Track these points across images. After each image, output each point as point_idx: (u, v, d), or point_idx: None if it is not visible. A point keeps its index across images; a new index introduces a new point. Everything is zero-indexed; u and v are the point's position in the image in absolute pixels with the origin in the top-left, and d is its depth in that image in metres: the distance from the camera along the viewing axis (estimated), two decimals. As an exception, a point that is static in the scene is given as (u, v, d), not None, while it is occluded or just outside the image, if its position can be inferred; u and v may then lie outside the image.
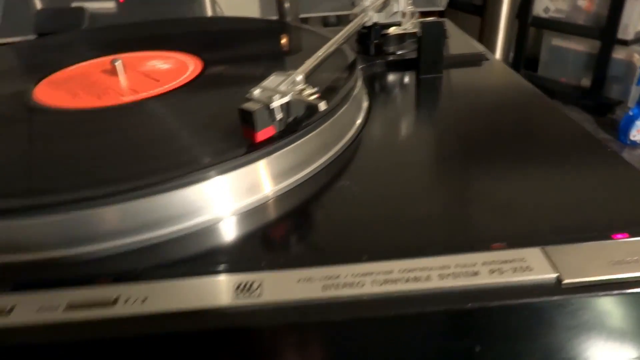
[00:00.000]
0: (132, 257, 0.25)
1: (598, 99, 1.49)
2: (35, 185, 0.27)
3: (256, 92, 0.27)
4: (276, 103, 0.26)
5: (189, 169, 0.26)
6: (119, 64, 0.38)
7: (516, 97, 0.40)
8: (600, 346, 0.23)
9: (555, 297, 0.21)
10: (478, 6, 1.48)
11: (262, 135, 0.27)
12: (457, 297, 0.21)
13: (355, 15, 0.44)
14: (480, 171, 0.30)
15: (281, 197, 0.28)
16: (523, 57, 1.63)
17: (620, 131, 1.46)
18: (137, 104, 0.35)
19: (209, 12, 0.89)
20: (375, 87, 0.43)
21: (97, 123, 0.34)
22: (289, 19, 0.52)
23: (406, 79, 0.44)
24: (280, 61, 0.45)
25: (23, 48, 0.53)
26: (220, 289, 0.22)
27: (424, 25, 0.41)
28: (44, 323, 0.21)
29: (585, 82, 1.50)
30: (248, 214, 0.27)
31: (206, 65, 0.41)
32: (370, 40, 0.46)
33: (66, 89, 0.38)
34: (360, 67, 0.41)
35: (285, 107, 0.27)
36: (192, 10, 0.89)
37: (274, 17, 0.55)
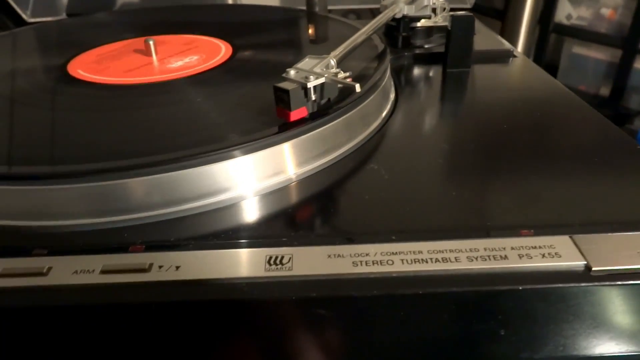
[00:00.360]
0: (163, 228, 0.25)
1: (616, 109, 1.48)
2: (70, 154, 0.28)
3: (292, 72, 0.27)
4: (312, 83, 0.27)
5: (221, 146, 0.26)
6: (152, 44, 0.39)
7: (545, 93, 0.40)
8: (624, 336, 0.23)
9: (584, 284, 0.21)
10: (499, 10, 1.48)
11: (295, 114, 0.27)
12: (485, 279, 0.21)
13: (385, 7, 0.44)
14: (509, 163, 0.30)
15: (309, 179, 0.29)
16: (542, 63, 1.61)
17: (638, 141, 1.44)
18: (169, 82, 0.36)
19: (230, 0, 0.90)
20: (402, 80, 0.43)
21: (130, 98, 0.34)
22: (317, 9, 0.52)
23: (433, 73, 0.44)
24: (310, 49, 0.46)
25: (56, 27, 0.54)
26: (252, 261, 0.22)
27: (454, 19, 0.41)
28: (80, 285, 0.21)
29: (604, 91, 1.49)
30: (276, 193, 0.27)
31: (237, 50, 0.41)
32: (399, 32, 0.46)
33: (100, 66, 0.39)
34: (387, 58, 0.41)
35: (320, 88, 0.28)
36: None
37: (302, 7, 0.56)
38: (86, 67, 0.39)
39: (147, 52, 0.39)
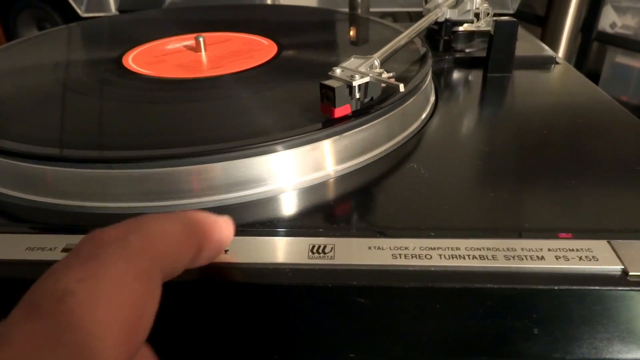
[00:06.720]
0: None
1: (660, 121, 1.43)
2: (125, 142, 0.30)
3: (338, 70, 0.28)
4: (357, 82, 0.28)
5: (269, 139, 0.27)
6: (202, 40, 0.40)
7: (588, 101, 0.40)
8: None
9: (620, 288, 0.22)
10: (540, 17, 1.45)
11: (339, 111, 0.28)
12: (521, 277, 0.22)
13: (428, 11, 0.44)
14: (548, 167, 0.30)
15: (350, 175, 0.30)
16: (583, 72, 1.57)
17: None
18: (218, 78, 0.37)
19: (268, 1, 0.92)
20: (442, 83, 0.44)
21: (181, 92, 0.36)
22: (359, 11, 0.53)
23: (473, 77, 0.45)
24: (353, 50, 0.47)
25: (109, 22, 0.57)
26: (296, 249, 0.23)
27: (498, 24, 0.41)
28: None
29: (648, 102, 1.45)
30: (317, 187, 0.29)
31: (282, 49, 0.43)
32: (441, 36, 0.47)
33: (152, 60, 0.41)
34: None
35: (364, 87, 0.29)
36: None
37: (344, 10, 0.57)
38: (139, 61, 0.41)
39: (197, 49, 0.41)
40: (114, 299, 0.14)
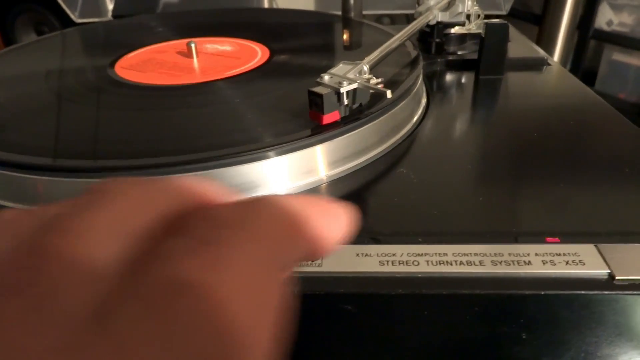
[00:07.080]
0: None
1: (658, 118, 1.43)
2: (113, 150, 0.30)
3: (326, 77, 0.29)
4: (345, 88, 0.28)
5: (257, 146, 0.27)
6: (194, 46, 0.41)
7: (578, 102, 0.40)
8: (647, 346, 0.23)
9: (607, 292, 0.22)
10: (536, 15, 1.45)
11: (328, 118, 0.28)
12: (508, 283, 0.22)
13: (420, 13, 0.45)
14: (538, 171, 0.31)
15: (339, 180, 0.30)
16: (580, 70, 1.58)
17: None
18: (209, 84, 0.37)
19: (266, 4, 0.92)
20: (434, 85, 0.44)
21: (172, 99, 0.36)
22: (352, 14, 0.53)
23: (465, 79, 0.45)
24: (344, 54, 0.47)
25: (103, 28, 0.57)
26: (284, 256, 0.23)
27: (488, 27, 0.41)
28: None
29: (645, 99, 1.45)
30: (307, 193, 0.29)
31: (273, 53, 0.43)
32: (433, 38, 0.47)
33: (144, 67, 0.41)
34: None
35: (352, 93, 0.29)
36: (250, 2, 0.91)
37: (336, 12, 0.57)
38: (131, 67, 0.41)
39: (188, 54, 0.41)
40: (250, 293, 0.11)
